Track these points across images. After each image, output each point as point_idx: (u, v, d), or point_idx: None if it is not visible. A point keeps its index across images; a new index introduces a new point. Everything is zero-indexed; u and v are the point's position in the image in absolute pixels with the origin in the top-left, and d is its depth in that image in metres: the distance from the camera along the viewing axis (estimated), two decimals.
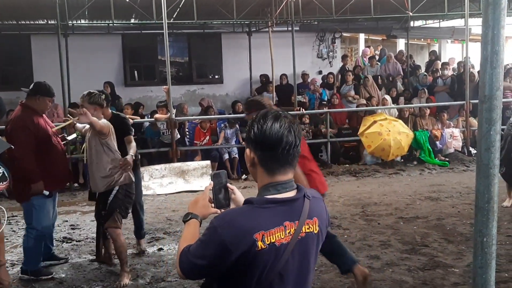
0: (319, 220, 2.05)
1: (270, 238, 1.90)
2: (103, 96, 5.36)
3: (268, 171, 1.98)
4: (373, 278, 5.25)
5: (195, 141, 10.74)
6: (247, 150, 2.02)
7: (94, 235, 6.67)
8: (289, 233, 1.94)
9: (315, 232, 2.04)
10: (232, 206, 2.20)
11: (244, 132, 9.80)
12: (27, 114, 5.26)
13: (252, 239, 1.87)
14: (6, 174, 8.75)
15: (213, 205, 2.14)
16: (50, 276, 5.42)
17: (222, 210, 2.15)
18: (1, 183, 8.21)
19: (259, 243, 1.88)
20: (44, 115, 5.49)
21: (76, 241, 6.66)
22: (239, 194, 2.21)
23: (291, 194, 2.00)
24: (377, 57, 14.92)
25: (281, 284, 1.97)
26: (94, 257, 6.01)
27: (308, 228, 2.00)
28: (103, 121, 5.21)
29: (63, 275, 5.53)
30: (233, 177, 10.28)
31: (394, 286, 5.08)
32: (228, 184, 2.18)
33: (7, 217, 5.92)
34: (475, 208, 1.64)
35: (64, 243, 6.57)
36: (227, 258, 1.88)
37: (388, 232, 6.69)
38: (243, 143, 9.29)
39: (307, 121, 11.30)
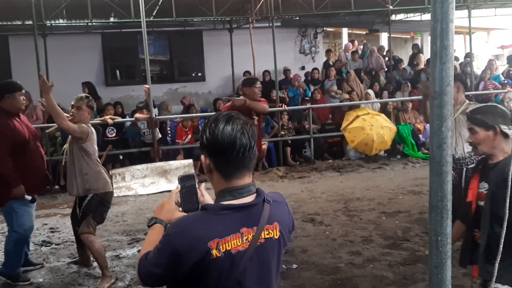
0: (280, 224, 1.98)
1: (225, 246, 1.84)
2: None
3: (224, 176, 1.91)
4: (354, 274, 5.24)
5: (177, 140, 10.66)
6: (202, 156, 1.96)
7: (73, 237, 6.61)
8: (246, 239, 1.88)
9: (276, 237, 1.97)
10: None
11: None
12: (1, 118, 5.11)
13: (206, 247, 1.82)
14: None
15: (180, 208, 2.07)
16: (27, 282, 5.33)
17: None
18: None
19: (214, 251, 1.83)
20: (22, 116, 5.38)
21: (55, 244, 6.57)
22: (207, 196, 2.13)
23: (249, 199, 1.93)
24: (360, 52, 14.91)
25: None
26: (74, 259, 5.94)
27: (267, 234, 1.94)
28: (82, 126, 5.14)
29: (41, 280, 5.45)
30: None
31: (374, 282, 5.07)
32: (199, 187, 2.12)
33: None
34: (429, 206, 1.61)
35: (43, 247, 6.48)
36: (181, 267, 1.83)
37: (370, 227, 6.68)
38: None
39: (285, 118, 11.24)
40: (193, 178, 2.09)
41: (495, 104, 3.25)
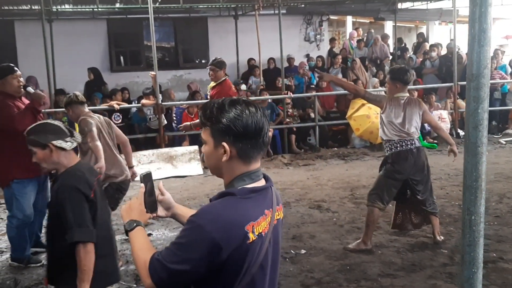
0: (282, 206, 2.05)
1: (258, 229, 1.84)
2: (77, 93, 5.39)
3: (246, 161, 1.89)
4: (363, 260, 5.29)
5: None
6: (225, 145, 1.86)
7: None
8: (268, 221, 1.90)
9: (281, 218, 2.02)
10: (160, 208, 2.11)
11: None
12: (1, 97, 5.19)
13: (244, 231, 1.79)
14: None
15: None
16: (39, 264, 5.39)
17: (154, 214, 2.07)
18: None
19: (251, 235, 1.81)
20: (25, 99, 5.41)
21: None
22: (168, 194, 2.15)
23: (263, 181, 1.95)
24: (364, 40, 14.88)
25: (262, 276, 1.91)
26: None
27: (277, 215, 1.97)
28: (89, 125, 5.14)
29: None
30: None
31: (383, 267, 5.11)
32: (157, 185, 2.12)
33: None
34: (463, 186, 1.64)
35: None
36: (218, 257, 1.77)
37: None
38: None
39: (289, 101, 11.28)
40: (151, 176, 2.06)
41: (46, 121, 3.28)
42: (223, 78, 6.84)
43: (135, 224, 1.99)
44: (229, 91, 6.72)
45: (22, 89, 5.35)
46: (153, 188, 2.05)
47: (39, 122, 3.18)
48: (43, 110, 5.88)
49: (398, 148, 5.42)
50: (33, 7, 11.77)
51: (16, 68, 5.33)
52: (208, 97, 7.03)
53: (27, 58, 11.95)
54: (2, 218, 7.03)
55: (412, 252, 5.46)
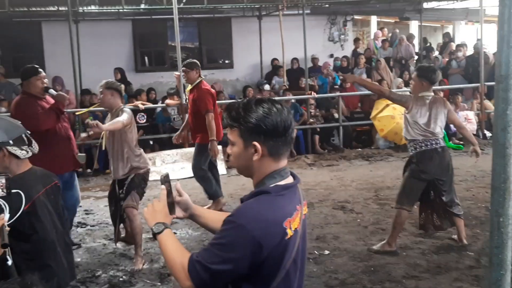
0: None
1: (294, 225, 1.88)
2: (122, 85, 5.41)
3: (276, 158, 1.92)
4: (387, 262, 5.25)
5: None
6: (256, 144, 1.88)
7: (108, 220, 6.73)
8: (299, 217, 1.94)
9: (307, 213, 2.06)
10: (178, 209, 2.12)
11: None
12: (25, 97, 5.32)
13: (283, 228, 1.83)
14: None
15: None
16: None
17: (173, 216, 2.08)
18: None
19: (288, 231, 1.84)
20: (49, 99, 5.49)
21: (90, 226, 6.72)
22: (186, 195, 2.16)
23: (291, 178, 1.98)
24: (389, 40, 14.75)
25: (295, 270, 1.94)
26: (109, 241, 6.07)
27: (304, 210, 2.01)
28: (125, 110, 5.22)
29: (79, 259, 5.58)
30: None
31: (408, 269, 5.07)
32: (175, 186, 2.13)
33: None
34: (491, 188, 1.62)
35: (79, 228, 6.63)
36: (258, 255, 1.79)
37: None
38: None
39: (313, 102, 11.25)
40: (169, 178, 2.07)
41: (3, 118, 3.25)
42: (199, 80, 6.83)
43: (163, 227, 1.98)
44: (207, 93, 6.76)
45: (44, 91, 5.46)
46: (171, 189, 2.07)
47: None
48: (67, 110, 5.95)
49: (423, 148, 5.37)
50: (60, 9, 11.94)
51: (40, 70, 5.43)
52: (187, 101, 7.03)
53: (53, 58, 12.15)
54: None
55: (437, 254, 5.41)
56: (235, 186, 8.51)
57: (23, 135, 3.08)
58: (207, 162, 6.93)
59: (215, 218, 2.19)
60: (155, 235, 1.99)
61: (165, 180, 2.04)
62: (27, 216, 2.94)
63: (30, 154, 3.07)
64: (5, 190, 2.19)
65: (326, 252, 5.53)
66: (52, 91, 5.46)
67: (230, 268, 1.79)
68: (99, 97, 5.41)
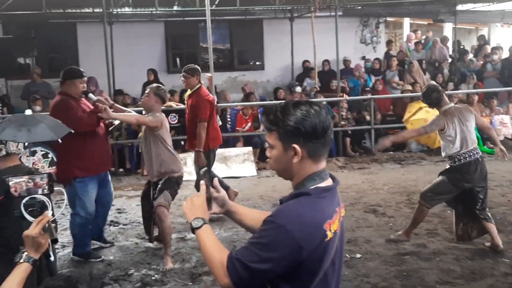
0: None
1: (333, 227, 1.88)
2: (168, 96, 5.49)
3: (315, 160, 1.92)
4: (420, 267, 5.18)
5: (237, 128, 10.77)
6: (296, 146, 1.88)
7: (140, 219, 6.80)
8: (338, 219, 1.94)
9: (344, 215, 2.06)
10: (214, 204, 2.13)
11: None
12: (65, 98, 5.38)
13: (323, 230, 1.83)
14: (55, 159, 9.03)
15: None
16: (99, 259, 5.55)
17: (211, 212, 2.10)
18: (51, 167, 8.49)
19: (328, 233, 1.84)
20: (84, 100, 5.57)
21: (123, 225, 6.80)
22: (223, 191, 2.17)
23: (330, 180, 1.98)
24: (423, 42, 14.54)
25: (333, 271, 1.94)
26: (141, 240, 6.12)
27: (342, 212, 2.01)
28: (155, 115, 5.28)
29: (111, 257, 5.66)
30: None
31: (441, 275, 4.99)
32: (213, 182, 2.15)
33: (57, 200, 6.05)
34: None
35: (112, 226, 6.72)
36: (298, 256, 1.79)
37: (434, 220, 6.56)
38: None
39: (345, 105, 11.17)
40: (208, 174, 2.11)
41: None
42: (198, 86, 6.79)
43: (202, 222, 1.99)
44: (205, 99, 6.66)
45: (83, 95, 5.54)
46: (209, 185, 2.10)
47: None
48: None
49: (468, 159, 5.43)
50: (95, 10, 12.13)
51: (85, 74, 5.54)
52: (186, 105, 7.00)
53: (88, 59, 12.34)
54: (63, 214, 7.27)
55: (472, 260, 5.31)
56: (265, 187, 8.50)
57: None
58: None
59: (251, 216, 2.21)
60: (193, 230, 2.00)
61: (204, 175, 2.06)
62: (1, 207, 3.01)
63: (3, 152, 3.10)
64: (47, 188, 2.23)
65: (358, 255, 5.48)
66: (91, 95, 5.53)
67: (269, 267, 1.79)
68: (143, 97, 5.47)
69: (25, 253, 2.08)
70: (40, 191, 2.22)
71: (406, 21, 17.45)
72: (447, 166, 5.63)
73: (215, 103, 6.98)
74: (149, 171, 5.45)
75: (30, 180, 2.20)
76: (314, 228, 1.81)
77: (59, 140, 3.15)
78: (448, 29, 17.17)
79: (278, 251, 1.78)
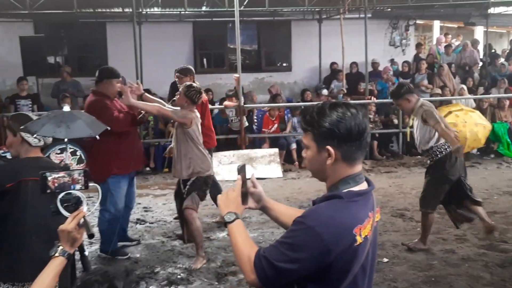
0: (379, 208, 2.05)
1: (364, 232, 1.85)
2: (200, 95, 5.40)
3: (350, 163, 1.89)
4: (449, 273, 5.10)
5: (263, 129, 10.77)
6: (329, 148, 1.86)
7: (166, 218, 6.87)
8: (371, 224, 1.91)
9: (379, 220, 2.04)
10: (251, 200, 2.14)
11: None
12: (100, 98, 5.44)
13: (353, 234, 1.81)
14: (83, 157, 9.15)
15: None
16: (126, 257, 5.60)
17: (245, 206, 2.10)
18: (79, 165, 8.60)
19: (358, 238, 1.82)
20: (117, 99, 5.63)
21: (149, 223, 6.84)
22: (260, 187, 2.17)
23: (366, 184, 1.96)
24: (453, 46, 14.34)
25: (363, 276, 1.92)
26: (167, 239, 6.16)
27: (377, 218, 1.99)
28: (184, 111, 5.27)
29: (138, 255, 5.70)
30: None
31: (470, 281, 4.90)
32: (251, 177, 2.14)
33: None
34: None
35: (138, 225, 6.77)
36: (326, 258, 1.78)
37: (463, 226, 6.42)
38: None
39: (373, 108, 11.08)
40: (245, 169, 2.09)
41: (28, 114, 3.36)
42: None
43: (235, 216, 2.00)
44: None
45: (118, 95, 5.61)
46: (246, 180, 2.09)
47: (22, 113, 3.39)
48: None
49: (447, 150, 5.52)
50: (124, 10, 12.27)
51: (120, 75, 5.60)
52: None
53: (116, 58, 12.43)
54: (90, 211, 7.35)
55: (502, 267, 5.20)
56: (291, 189, 8.47)
57: None
58: None
59: (287, 213, 2.21)
60: (226, 224, 2.01)
61: (241, 170, 2.08)
62: (8, 194, 3.03)
63: (41, 143, 3.19)
64: (83, 183, 2.26)
65: (385, 259, 5.42)
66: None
67: (295, 268, 1.79)
68: (176, 95, 5.49)
69: (60, 247, 2.11)
70: (77, 186, 2.24)
71: (436, 24, 17.25)
72: (429, 163, 5.68)
73: (208, 104, 6.88)
74: (176, 169, 5.41)
75: (67, 175, 2.23)
76: (343, 232, 1.79)
77: (97, 137, 3.19)
78: (479, 32, 16.93)
79: (306, 252, 1.77)
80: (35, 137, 3.14)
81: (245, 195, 2.08)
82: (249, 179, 2.14)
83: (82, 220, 2.19)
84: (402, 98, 5.55)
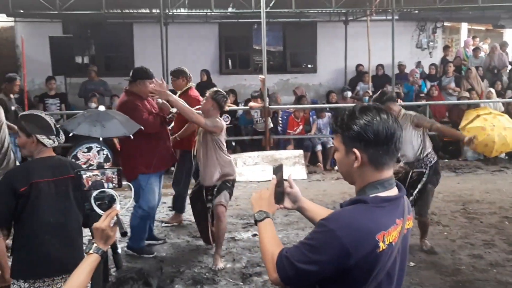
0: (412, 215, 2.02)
1: (389, 238, 1.83)
2: (226, 100, 5.43)
3: (378, 168, 1.88)
4: (476, 278, 5.03)
5: (288, 130, 10.75)
6: (356, 151, 1.87)
7: (191, 217, 6.87)
8: (398, 231, 1.89)
9: (411, 227, 2.00)
10: (287, 200, 2.15)
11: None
12: (132, 98, 5.50)
13: (375, 240, 1.79)
14: (109, 156, 9.25)
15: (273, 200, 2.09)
16: (152, 255, 5.65)
17: (280, 206, 2.12)
18: (105, 163, 8.69)
19: (381, 244, 1.80)
20: (149, 99, 5.68)
21: (175, 223, 6.87)
22: (297, 188, 2.17)
23: (395, 190, 1.94)
24: (481, 48, 14.11)
25: (389, 283, 1.90)
26: (192, 238, 6.19)
27: (408, 225, 1.96)
28: (215, 121, 5.29)
29: (164, 254, 5.75)
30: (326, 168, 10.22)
31: (499, 287, 4.83)
32: (287, 178, 2.14)
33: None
34: None
35: (164, 224, 6.80)
36: (345, 262, 1.78)
37: (491, 231, 6.37)
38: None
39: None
40: (282, 168, 2.10)
41: (41, 115, 3.22)
42: (187, 87, 6.66)
43: (265, 215, 2.03)
44: (194, 99, 6.40)
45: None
46: (283, 180, 2.11)
47: (34, 113, 3.30)
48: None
49: (436, 157, 5.88)
50: (152, 11, 12.38)
51: (153, 75, 5.64)
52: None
53: (143, 58, 12.52)
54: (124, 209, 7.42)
55: None
56: (315, 191, 8.44)
57: (52, 125, 3.17)
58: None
59: (323, 214, 2.20)
60: (256, 222, 2.04)
61: (278, 170, 2.09)
62: (22, 198, 3.05)
63: (56, 143, 3.17)
64: (116, 182, 2.29)
65: (412, 263, 5.37)
66: (158, 98, 5.63)
67: (315, 269, 1.80)
68: (203, 100, 5.50)
69: (95, 244, 2.14)
70: (110, 185, 2.27)
71: (464, 26, 17.01)
72: (425, 171, 5.71)
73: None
74: (202, 175, 5.43)
75: (101, 174, 2.26)
76: (365, 236, 1.78)
77: (131, 136, 3.23)
78: (508, 35, 16.64)
79: (326, 254, 1.78)
80: (51, 138, 3.14)
81: (281, 194, 2.11)
82: (286, 179, 2.15)
83: (115, 218, 2.21)
84: (384, 106, 5.49)
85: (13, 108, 8.34)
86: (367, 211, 1.83)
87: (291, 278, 1.84)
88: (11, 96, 8.58)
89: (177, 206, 6.72)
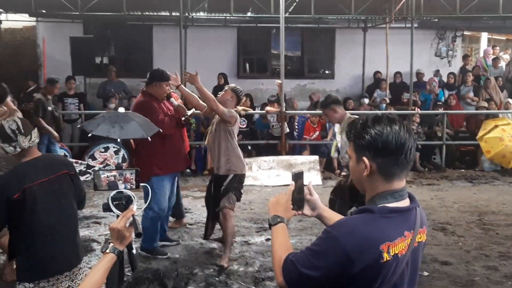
0: (426, 228, 2.00)
1: (394, 250, 1.83)
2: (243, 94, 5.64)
3: (387, 178, 1.88)
4: None
5: (304, 136, 10.75)
6: (365, 159, 1.88)
7: (205, 219, 6.90)
8: (407, 243, 1.88)
9: (424, 241, 1.99)
10: (307, 207, 2.16)
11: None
12: (148, 99, 5.57)
13: (379, 250, 1.79)
14: (126, 156, 9.31)
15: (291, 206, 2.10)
16: (165, 256, 5.68)
17: (299, 212, 2.13)
18: (122, 164, 8.74)
19: (385, 255, 1.80)
20: (165, 101, 5.73)
21: (189, 224, 6.91)
22: (316, 195, 2.18)
23: (407, 202, 1.93)
24: (501, 59, 13.97)
25: None
26: (205, 241, 6.21)
27: (419, 238, 1.94)
28: (231, 111, 5.45)
29: (177, 255, 5.78)
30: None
31: None
32: (307, 185, 2.15)
33: None
34: None
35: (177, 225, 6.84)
36: (348, 270, 1.78)
37: (507, 243, 6.30)
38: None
39: (418, 120, 10.92)
40: (302, 175, 2.11)
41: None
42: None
43: (278, 220, 2.06)
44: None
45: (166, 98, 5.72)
46: (303, 186, 2.12)
47: None
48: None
49: None
50: (172, 14, 12.47)
51: (169, 78, 5.70)
52: None
53: (162, 61, 12.62)
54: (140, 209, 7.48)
55: None
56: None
57: (10, 132, 3.12)
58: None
59: None
60: (270, 226, 2.07)
61: (298, 177, 2.10)
62: (17, 205, 3.05)
63: (18, 149, 3.13)
64: (134, 183, 2.32)
65: (425, 273, 5.34)
66: (173, 100, 5.70)
67: (317, 275, 1.81)
68: (220, 93, 5.65)
69: (111, 244, 2.16)
70: (128, 185, 2.30)
71: (484, 36, 16.87)
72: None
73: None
74: (215, 163, 5.58)
75: (120, 175, 2.29)
76: (368, 245, 1.78)
77: (149, 138, 3.26)
78: None
79: (328, 260, 1.80)
80: (11, 145, 3.12)
81: (301, 201, 2.12)
82: (306, 185, 2.16)
83: (131, 218, 2.24)
84: (329, 108, 5.45)
85: (50, 108, 8.69)
86: (372, 221, 1.83)
87: (295, 282, 1.87)
88: (49, 97, 8.87)
89: (176, 212, 6.74)
